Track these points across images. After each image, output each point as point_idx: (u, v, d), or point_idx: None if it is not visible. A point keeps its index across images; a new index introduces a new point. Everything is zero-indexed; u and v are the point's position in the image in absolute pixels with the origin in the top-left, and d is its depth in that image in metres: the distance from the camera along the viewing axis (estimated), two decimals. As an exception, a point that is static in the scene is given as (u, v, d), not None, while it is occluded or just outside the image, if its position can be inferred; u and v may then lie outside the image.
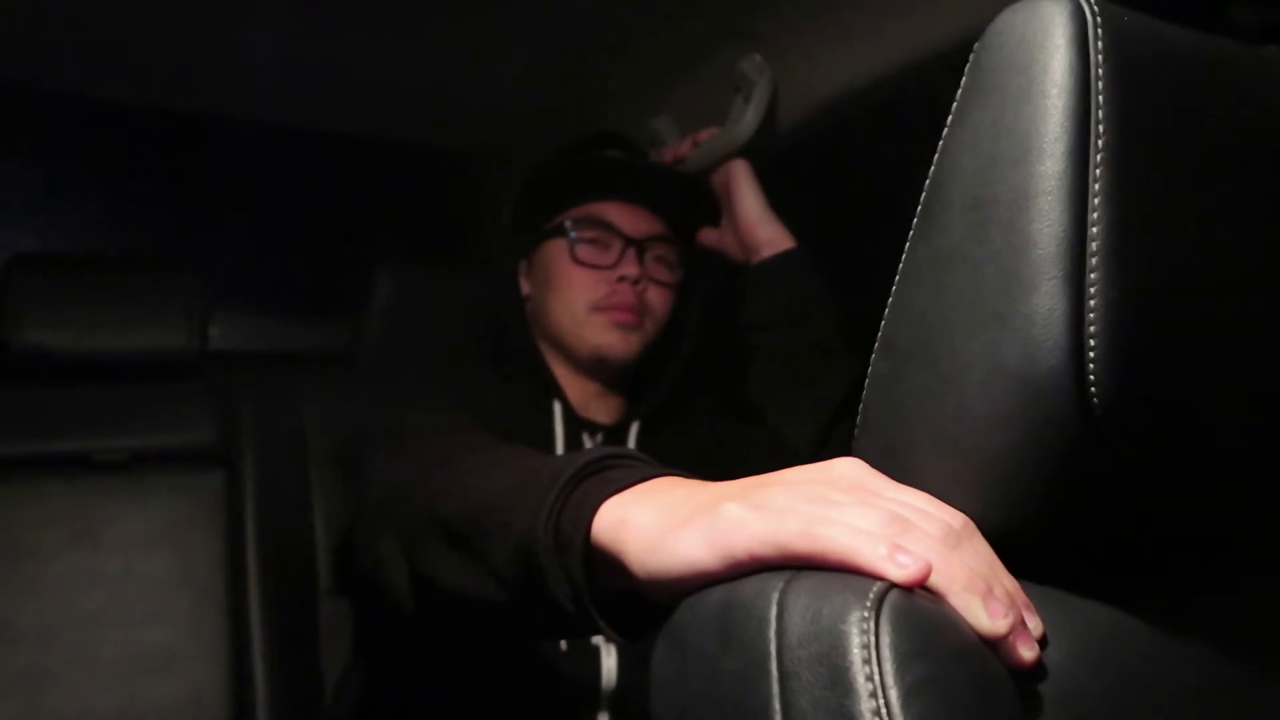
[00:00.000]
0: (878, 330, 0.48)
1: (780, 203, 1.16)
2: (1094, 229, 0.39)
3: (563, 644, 0.96)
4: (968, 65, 0.45)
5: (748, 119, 1.12)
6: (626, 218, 1.07)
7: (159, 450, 1.19)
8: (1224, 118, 0.43)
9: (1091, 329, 0.39)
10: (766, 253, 1.13)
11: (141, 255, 1.33)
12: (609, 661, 0.96)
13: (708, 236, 1.18)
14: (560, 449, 1.03)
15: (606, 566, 0.50)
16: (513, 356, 1.08)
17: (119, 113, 1.43)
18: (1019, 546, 0.43)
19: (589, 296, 1.04)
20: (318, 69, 1.28)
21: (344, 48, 1.23)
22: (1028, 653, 0.39)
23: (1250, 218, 0.43)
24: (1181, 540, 0.48)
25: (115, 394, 1.20)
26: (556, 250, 1.07)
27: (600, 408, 1.08)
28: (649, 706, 0.43)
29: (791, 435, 1.08)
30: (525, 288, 1.11)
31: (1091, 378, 0.39)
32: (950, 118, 0.46)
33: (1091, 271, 0.39)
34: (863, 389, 0.49)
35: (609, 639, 0.68)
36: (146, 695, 1.10)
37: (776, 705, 0.36)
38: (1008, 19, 0.44)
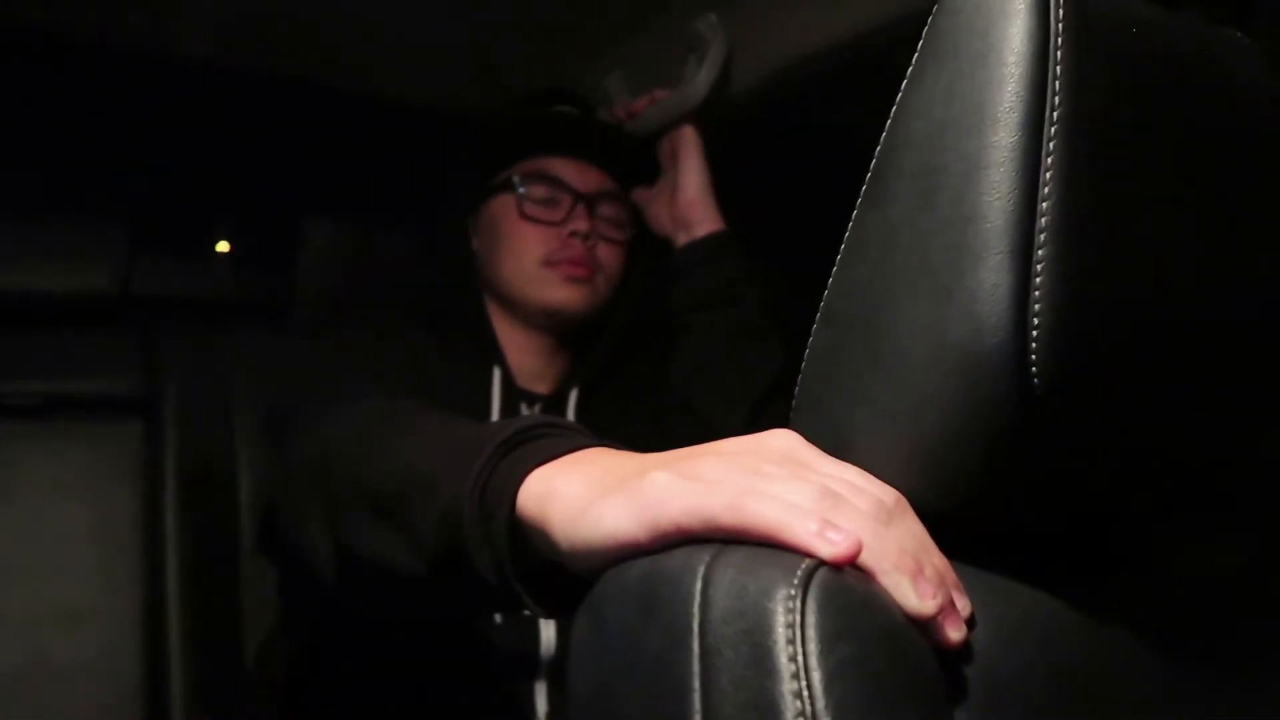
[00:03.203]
0: (811, 311, 0.47)
1: (728, 173, 1.14)
2: (1044, 204, 0.38)
3: (497, 615, 0.94)
4: (925, 28, 0.44)
5: (700, 80, 1.09)
6: (576, 173, 1.05)
7: (75, 396, 1.14)
8: (1181, 96, 0.42)
9: (1036, 307, 0.38)
10: (698, 232, 1.13)
11: (66, 191, 1.26)
12: (548, 631, 0.95)
13: (638, 195, 1.16)
14: (496, 417, 1.01)
15: (532, 538, 0.49)
16: (455, 318, 1.05)
17: (40, 41, 1.36)
18: (951, 525, 0.42)
19: (539, 251, 1.02)
20: (257, 6, 1.23)
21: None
22: (955, 633, 0.38)
23: (1199, 199, 0.42)
24: (1112, 525, 0.48)
25: (30, 336, 1.14)
26: (505, 206, 1.05)
27: (541, 373, 1.06)
28: (567, 678, 0.42)
29: (718, 417, 1.07)
30: (474, 244, 1.08)
31: (1033, 357, 0.38)
32: (905, 82, 0.44)
33: (1040, 248, 0.38)
34: (790, 374, 0.47)
35: (532, 613, 0.67)
36: (54, 652, 1.05)
37: (696, 683, 0.35)
38: (968, -18, 0.42)
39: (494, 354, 1.03)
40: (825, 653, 0.33)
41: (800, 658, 0.33)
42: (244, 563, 1.18)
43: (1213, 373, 0.43)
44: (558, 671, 0.94)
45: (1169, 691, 0.45)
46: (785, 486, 0.40)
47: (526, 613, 0.94)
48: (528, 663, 0.94)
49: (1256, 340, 0.45)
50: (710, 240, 1.13)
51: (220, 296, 1.53)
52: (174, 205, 1.60)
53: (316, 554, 0.70)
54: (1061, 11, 0.39)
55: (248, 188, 1.66)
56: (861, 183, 0.46)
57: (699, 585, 0.37)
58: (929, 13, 0.44)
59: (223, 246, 1.69)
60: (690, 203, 1.13)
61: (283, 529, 0.79)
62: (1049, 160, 0.38)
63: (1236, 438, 0.47)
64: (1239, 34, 0.48)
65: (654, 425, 1.05)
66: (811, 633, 0.34)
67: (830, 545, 0.37)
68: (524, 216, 1.03)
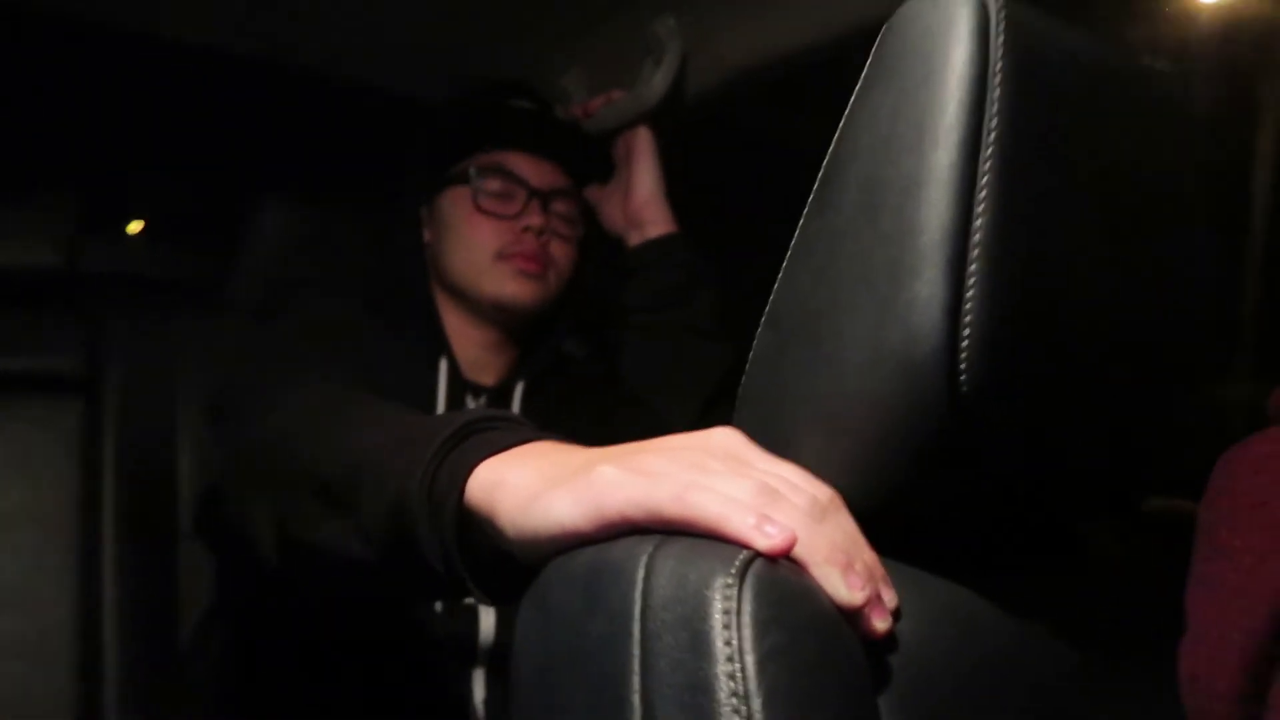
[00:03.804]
0: (758, 312, 0.49)
1: (681, 175, 1.16)
2: (978, 220, 0.40)
3: (437, 604, 0.95)
4: (874, 47, 0.46)
5: (657, 82, 1.11)
6: (532, 169, 1.06)
7: (15, 373, 1.12)
8: (1107, 123, 0.45)
9: (967, 318, 0.40)
10: (651, 233, 1.14)
11: (13, 167, 1.23)
12: (487, 620, 0.95)
13: (592, 193, 1.17)
14: (442, 409, 1.01)
15: (479, 527, 0.50)
16: (404, 307, 1.05)
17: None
18: (882, 523, 0.44)
19: (493, 244, 1.02)
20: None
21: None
22: (881, 624, 0.41)
23: (1119, 221, 0.45)
24: (1033, 523, 0.51)
25: (-29, 312, 1.12)
26: (459, 197, 1.05)
27: (488, 366, 1.07)
28: (511, 665, 0.43)
29: (666, 415, 1.09)
30: (426, 235, 1.08)
31: (963, 364, 0.40)
32: (853, 97, 0.46)
33: (972, 263, 0.40)
34: (739, 373, 0.49)
35: (478, 601, 0.68)
36: (-15, 632, 1.04)
37: (636, 666, 0.36)
38: (915, 6, 0.44)
39: (441, 345, 1.03)
40: (759, 638, 0.35)
41: (735, 642, 0.35)
42: (182, 546, 1.17)
43: (1124, 379, 0.46)
44: (496, 660, 0.95)
45: (1082, 679, 0.48)
46: (726, 482, 0.42)
47: (468, 601, 0.95)
48: (466, 651, 0.95)
49: (1161, 350, 0.48)
50: (662, 241, 1.14)
51: (167, 276, 1.50)
52: (122, 183, 1.57)
53: (259, 539, 0.70)
54: (1001, 39, 0.42)
55: (197, 167, 1.63)
56: (809, 190, 0.48)
57: (641, 574, 0.38)
58: (878, 28, 0.46)
59: (135, 226, 1.66)
60: (643, 203, 1.15)
61: (225, 513, 0.79)
62: (983, 180, 0.40)
63: (1145, 440, 0.50)
64: (1166, 64, 0.51)
65: (600, 422, 1.06)
66: (746, 619, 0.36)
67: (766, 538, 0.39)
68: (479, 209, 1.03)
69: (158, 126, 1.59)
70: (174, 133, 1.61)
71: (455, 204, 1.05)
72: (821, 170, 0.47)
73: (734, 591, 0.36)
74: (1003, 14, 0.42)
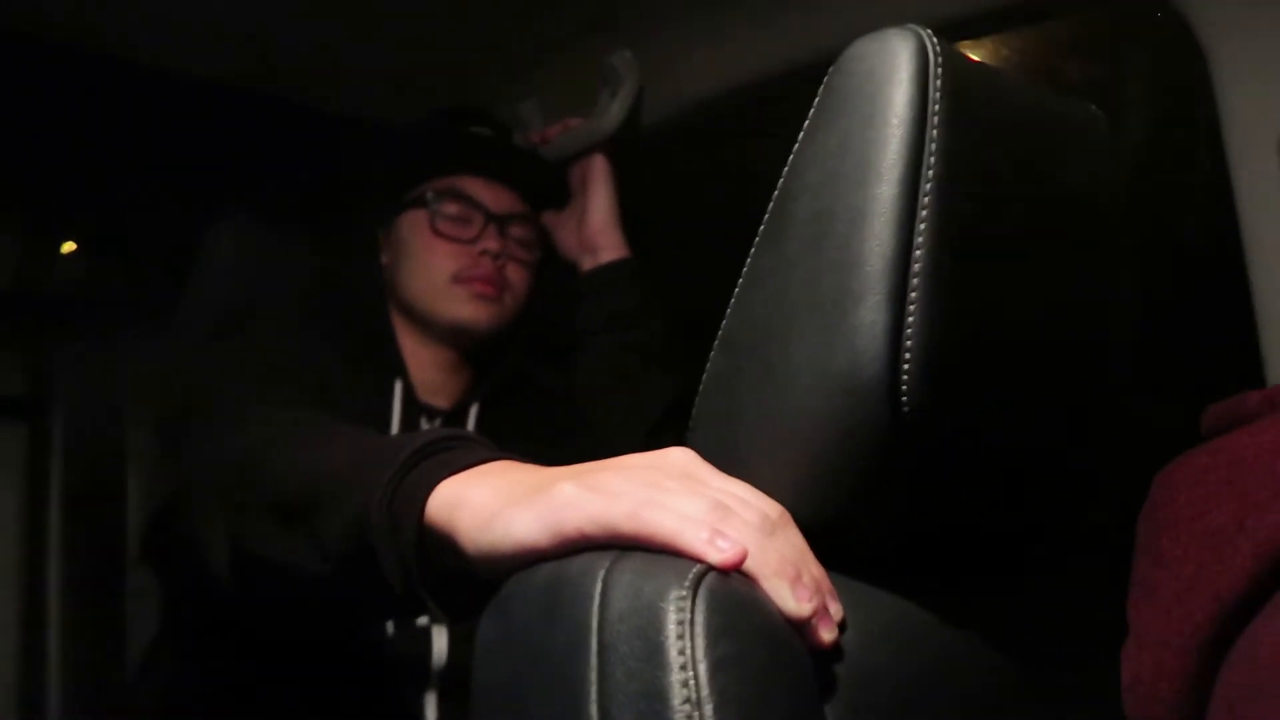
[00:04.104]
0: (708, 338, 0.51)
1: (636, 202, 1.18)
2: (918, 251, 0.43)
3: (389, 626, 0.95)
4: (822, 86, 0.48)
5: (612, 112, 1.13)
6: (489, 193, 1.07)
7: None
8: (1037, 160, 0.48)
9: (908, 343, 0.43)
10: (604, 258, 1.16)
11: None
12: (440, 641, 0.95)
13: (548, 218, 1.19)
14: (396, 430, 1.02)
15: (439, 546, 0.51)
16: (360, 329, 1.05)
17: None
18: (829, 538, 0.46)
19: (450, 267, 1.03)
20: (174, 6, 1.21)
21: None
22: (827, 635, 0.43)
23: (1047, 249, 0.48)
24: (973, 538, 0.53)
25: (-89, 333, 1.10)
26: (417, 221, 1.06)
27: (443, 388, 1.08)
28: (472, 679, 0.44)
29: (617, 438, 1.10)
30: (383, 257, 1.09)
31: (904, 387, 0.43)
32: (802, 133, 0.48)
33: (913, 290, 0.43)
34: (687, 398, 0.51)
35: (437, 618, 0.69)
36: (-77, 658, 1.01)
37: (594, 675, 0.38)
38: (860, 48, 0.47)
39: (397, 367, 1.04)
40: (711, 647, 0.37)
41: (689, 651, 0.37)
42: (130, 570, 1.15)
43: (1055, 401, 0.49)
44: (449, 682, 0.95)
45: (1022, 690, 0.50)
46: (680, 499, 0.44)
47: (421, 623, 0.95)
48: (419, 673, 0.95)
49: (1088, 369, 0.51)
50: (615, 267, 1.16)
51: (114, 298, 1.48)
52: (70, 205, 1.55)
53: (214, 559, 0.70)
54: (939, 82, 0.44)
55: (149, 188, 1.61)
56: (759, 220, 0.50)
57: (599, 588, 0.40)
58: (825, 64, 0.49)
59: (68, 247, 1.63)
60: (598, 229, 1.16)
61: (177, 534, 0.78)
62: (923, 213, 0.43)
63: (1076, 458, 0.52)
64: (1091, 106, 0.55)
65: (554, 444, 1.07)
66: (699, 629, 0.37)
67: (719, 552, 0.41)
68: (436, 233, 1.04)
69: (110, 149, 1.58)
70: (126, 155, 1.60)
71: (413, 227, 1.06)
72: (772, 202, 0.49)
73: (687, 603, 0.38)
74: (940, 57, 0.44)
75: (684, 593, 0.38)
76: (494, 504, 0.47)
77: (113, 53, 1.30)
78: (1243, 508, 0.43)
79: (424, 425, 1.05)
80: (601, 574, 0.40)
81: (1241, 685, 0.40)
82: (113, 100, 1.47)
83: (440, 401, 1.07)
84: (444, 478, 0.51)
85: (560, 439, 1.09)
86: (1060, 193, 0.49)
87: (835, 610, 0.44)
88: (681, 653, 0.37)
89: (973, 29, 0.91)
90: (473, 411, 1.07)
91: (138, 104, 1.49)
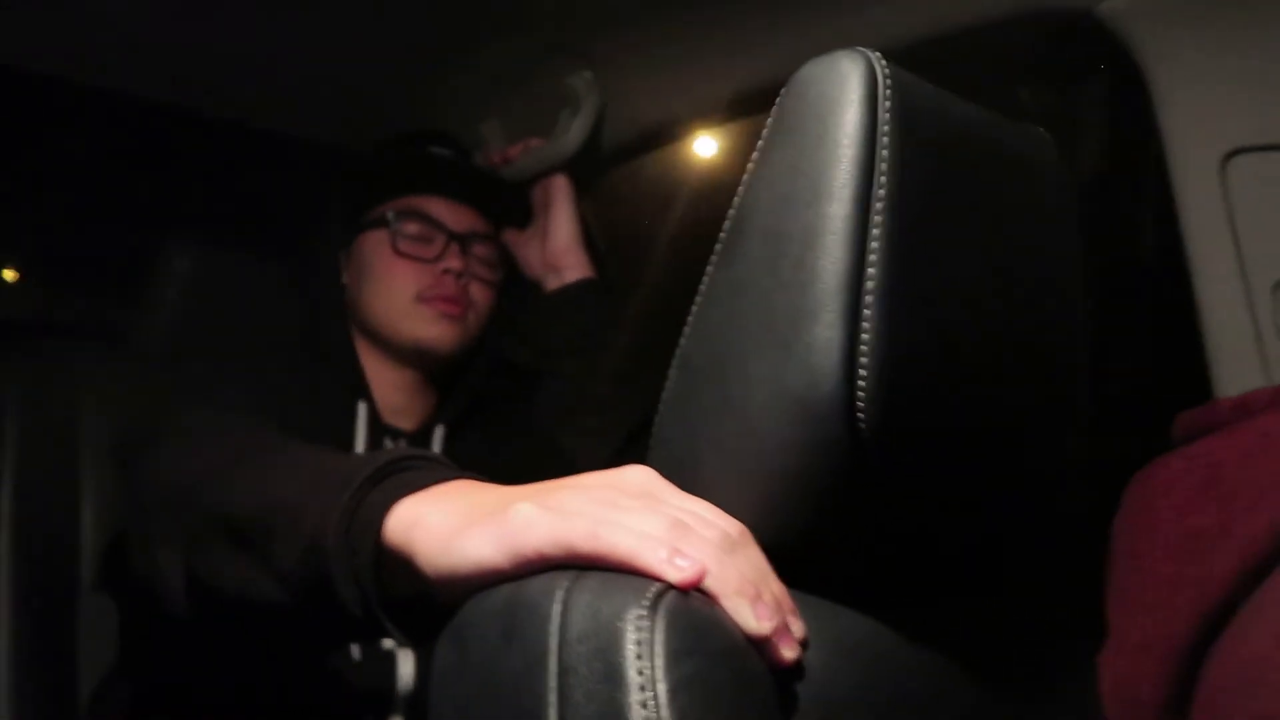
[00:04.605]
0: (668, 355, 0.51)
1: (598, 222, 1.19)
2: (871, 269, 0.43)
3: (354, 650, 0.93)
4: (774, 108, 0.49)
5: (573, 133, 1.14)
6: (450, 213, 1.07)
7: None
8: (983, 178, 0.49)
9: (863, 360, 0.43)
10: (568, 277, 1.16)
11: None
12: (405, 666, 0.94)
13: (510, 238, 1.19)
14: (360, 451, 1.01)
15: (397, 569, 0.50)
16: (322, 350, 1.04)
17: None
18: (789, 556, 0.46)
19: (413, 287, 1.03)
20: (134, 32, 1.20)
21: (167, 12, 1.16)
22: (789, 653, 0.43)
23: (997, 266, 0.48)
24: (936, 555, 0.54)
25: None
26: (377, 241, 1.06)
27: (407, 410, 1.07)
28: (429, 704, 0.44)
29: (582, 459, 1.10)
30: (344, 278, 1.08)
31: (860, 405, 0.43)
32: (755, 154, 0.49)
33: (866, 308, 0.43)
34: (651, 418, 0.51)
35: (398, 642, 0.67)
36: None
37: (553, 698, 0.37)
38: (810, 70, 0.47)
39: (360, 388, 1.03)
40: (670, 667, 0.37)
41: (648, 671, 0.37)
42: (83, 601, 1.12)
43: (1012, 414, 0.50)
44: (414, 707, 0.94)
45: (988, 707, 0.50)
46: (639, 518, 0.44)
47: (386, 647, 0.94)
48: (384, 698, 0.94)
49: (1045, 390, 0.51)
50: (578, 286, 1.16)
51: (65, 321, 1.46)
52: (29, 229, 1.52)
53: (167, 586, 0.68)
54: (888, 104, 0.45)
55: (106, 212, 1.59)
56: (715, 240, 0.50)
57: (558, 608, 0.39)
58: (779, 88, 0.49)
59: (10, 275, 1.61)
60: (561, 249, 1.17)
61: (131, 560, 0.76)
62: (875, 231, 0.44)
63: (1037, 470, 0.53)
64: (1038, 128, 0.56)
65: (519, 464, 1.06)
66: (659, 649, 0.37)
67: (678, 571, 0.41)
68: (398, 253, 1.04)
69: (64, 171, 1.56)
70: (80, 176, 1.58)
71: (374, 248, 1.06)
72: (727, 222, 0.49)
73: (647, 623, 0.38)
74: (889, 79, 0.45)
75: (643, 612, 0.38)
76: (452, 525, 0.47)
77: (66, 74, 1.29)
78: (1225, 512, 0.44)
79: (388, 446, 1.04)
80: (560, 594, 0.40)
81: (1227, 681, 0.41)
82: (64, 123, 1.45)
83: (405, 423, 1.06)
84: (401, 497, 0.51)
85: (527, 460, 1.08)
86: (1010, 210, 0.50)
87: (797, 628, 0.44)
88: (640, 673, 0.37)
89: (920, 54, 0.93)
90: (438, 433, 1.07)
91: (89, 126, 1.47)
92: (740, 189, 0.49)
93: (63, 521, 1.13)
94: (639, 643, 0.37)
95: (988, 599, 0.58)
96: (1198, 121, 0.72)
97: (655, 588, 0.40)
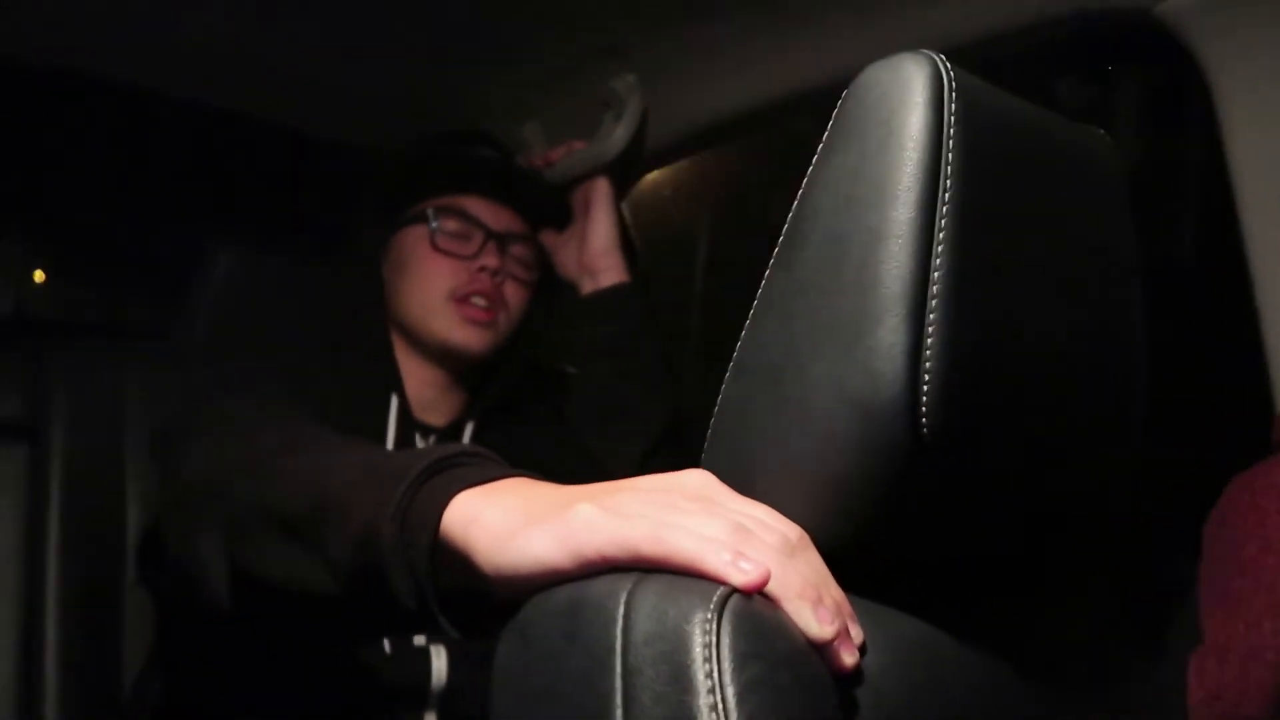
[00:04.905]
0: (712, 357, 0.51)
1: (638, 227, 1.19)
2: (936, 273, 0.43)
3: (386, 645, 0.94)
4: (835, 111, 0.49)
5: (616, 136, 1.14)
6: (489, 212, 1.08)
7: None
8: (1048, 180, 0.49)
9: (928, 364, 0.43)
10: (603, 281, 1.16)
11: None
12: (439, 662, 0.95)
13: (547, 238, 1.20)
14: (391, 446, 1.01)
15: (452, 563, 0.50)
16: (358, 344, 1.05)
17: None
18: (846, 560, 0.46)
19: (447, 285, 1.04)
20: (173, 33, 1.22)
21: (203, 15, 1.17)
22: (849, 658, 0.42)
23: (1060, 269, 0.48)
24: (993, 561, 0.53)
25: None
26: (416, 237, 1.06)
27: (438, 405, 1.07)
28: (488, 701, 0.44)
29: (611, 461, 1.10)
30: (383, 272, 1.09)
31: (924, 408, 0.43)
32: (815, 158, 0.49)
33: (931, 312, 0.43)
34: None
35: (444, 636, 0.67)
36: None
37: (619, 700, 0.37)
38: (874, 73, 0.47)
39: (393, 382, 1.04)
40: (738, 670, 0.37)
41: (716, 674, 0.37)
42: (128, 595, 1.14)
43: (1074, 419, 0.49)
44: (448, 703, 0.95)
45: (1043, 712, 0.50)
46: (700, 521, 0.43)
47: (418, 643, 0.95)
48: (417, 694, 0.94)
49: (1106, 393, 0.51)
50: (615, 290, 1.16)
51: (114, 321, 1.48)
52: (74, 228, 1.55)
53: (208, 576, 0.68)
54: (954, 106, 0.45)
55: (148, 212, 1.62)
56: (766, 242, 0.50)
57: (622, 610, 0.39)
58: (833, 88, 0.49)
59: (39, 276, 1.63)
60: (598, 252, 1.17)
61: (170, 551, 0.76)
62: (940, 235, 0.43)
63: (1093, 480, 0.52)
64: (1099, 130, 0.55)
65: (548, 464, 1.06)
66: (726, 652, 0.37)
67: (742, 574, 0.41)
68: (435, 249, 1.05)
69: (108, 173, 1.58)
70: (126, 179, 1.60)
71: (413, 243, 1.07)
72: (785, 226, 0.49)
73: (713, 626, 0.38)
74: (954, 81, 0.45)
75: (709, 615, 0.38)
76: (512, 523, 0.47)
77: (107, 76, 1.31)
78: None
79: (419, 442, 1.05)
80: (624, 596, 0.40)
81: None
82: (109, 127, 1.47)
83: (435, 419, 1.07)
84: (457, 492, 0.51)
85: (555, 461, 1.08)
86: (1072, 212, 0.49)
87: (856, 633, 0.44)
88: (709, 676, 0.37)
89: (969, 54, 0.92)
90: (468, 430, 1.08)
91: (136, 129, 1.49)
92: (800, 193, 0.49)
93: (109, 518, 1.15)
94: (706, 645, 0.37)
95: (1038, 600, 0.58)
96: (1262, 121, 0.71)
97: (720, 591, 0.40)
